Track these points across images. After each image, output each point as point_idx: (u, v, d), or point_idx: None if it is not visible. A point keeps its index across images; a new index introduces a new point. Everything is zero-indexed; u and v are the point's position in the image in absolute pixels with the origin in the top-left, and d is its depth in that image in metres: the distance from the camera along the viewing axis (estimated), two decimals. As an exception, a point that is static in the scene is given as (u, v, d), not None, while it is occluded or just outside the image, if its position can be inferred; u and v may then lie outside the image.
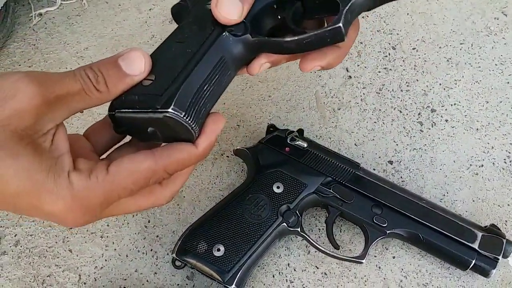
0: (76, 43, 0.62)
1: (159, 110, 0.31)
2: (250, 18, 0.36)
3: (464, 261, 0.45)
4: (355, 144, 0.55)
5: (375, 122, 0.57)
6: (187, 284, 0.47)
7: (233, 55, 0.35)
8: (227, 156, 0.54)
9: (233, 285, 0.43)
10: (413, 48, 0.63)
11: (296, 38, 0.34)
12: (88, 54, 0.61)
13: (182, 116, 0.31)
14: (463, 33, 0.64)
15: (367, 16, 0.65)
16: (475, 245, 0.45)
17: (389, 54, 0.62)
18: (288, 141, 0.49)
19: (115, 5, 0.66)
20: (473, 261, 0.45)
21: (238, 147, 0.51)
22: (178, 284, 0.46)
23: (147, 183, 0.32)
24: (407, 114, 0.57)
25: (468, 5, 0.66)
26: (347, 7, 0.33)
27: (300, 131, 0.51)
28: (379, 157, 0.54)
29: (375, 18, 0.65)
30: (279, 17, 0.38)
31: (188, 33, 0.36)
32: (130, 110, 0.32)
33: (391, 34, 0.64)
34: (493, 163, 0.54)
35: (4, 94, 0.27)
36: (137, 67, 0.32)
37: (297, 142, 0.49)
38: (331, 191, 0.47)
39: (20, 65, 0.60)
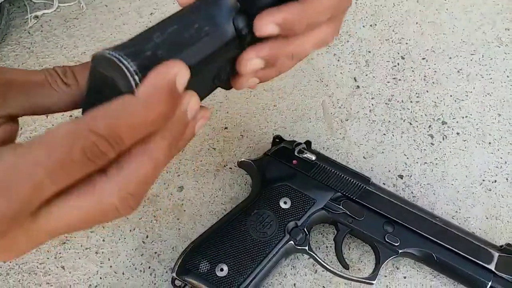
0: (74, 47, 0.60)
1: (95, 57, 0.25)
2: None
3: (480, 283, 0.43)
4: (363, 157, 0.53)
5: (384, 134, 0.55)
6: (187, 305, 0.44)
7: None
8: (230, 168, 0.52)
9: (237, 308, 0.40)
10: (423, 58, 0.61)
11: None
12: (86, 58, 0.58)
13: (113, 52, 0.24)
14: (474, 44, 0.62)
15: (375, 25, 0.63)
16: (492, 266, 0.43)
17: (398, 64, 0.60)
18: (296, 154, 0.47)
19: (115, 9, 0.63)
20: (489, 283, 0.42)
21: (242, 159, 0.48)
22: (177, 305, 0.44)
23: (69, 155, 0.21)
24: (417, 127, 0.55)
25: (478, 15, 0.64)
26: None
27: (308, 143, 0.49)
28: (389, 171, 0.52)
29: (384, 26, 0.63)
30: None
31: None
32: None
33: (400, 43, 0.62)
34: (507, 179, 0.52)
35: None
36: None
37: (305, 155, 0.47)
38: (340, 207, 0.45)
39: (13, 69, 0.58)
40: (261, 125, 0.55)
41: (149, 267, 0.46)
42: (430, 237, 0.44)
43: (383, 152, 0.53)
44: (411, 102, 0.57)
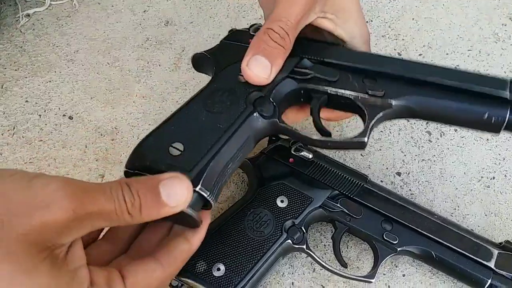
0: (66, 45, 0.59)
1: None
2: (278, 101, 0.37)
3: (480, 280, 0.42)
4: (361, 155, 0.52)
5: (381, 131, 0.54)
6: (183, 306, 0.43)
7: (257, 133, 0.37)
8: (226, 167, 0.51)
9: (235, 309, 0.39)
10: (420, 54, 0.60)
11: (323, 139, 0.37)
12: (79, 57, 0.58)
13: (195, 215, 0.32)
14: (471, 39, 0.62)
15: (371, 21, 0.63)
16: (491, 264, 0.42)
17: (395, 60, 0.60)
18: (293, 152, 0.46)
19: (108, 6, 0.62)
20: (489, 281, 0.42)
21: (238, 158, 0.48)
22: (174, 306, 0.43)
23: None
24: (414, 123, 0.55)
25: (474, 10, 0.64)
26: (372, 122, 0.36)
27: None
28: (387, 168, 0.52)
29: (380, 23, 0.63)
30: (302, 99, 0.39)
31: (218, 103, 0.36)
32: None
33: (396, 39, 0.61)
34: (505, 175, 0.52)
35: (37, 202, 0.25)
36: (179, 199, 0.30)
37: (302, 153, 0.46)
38: (338, 205, 0.44)
39: (5, 68, 0.57)
40: (257, 123, 0.54)
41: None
42: (429, 235, 0.43)
43: (380, 150, 0.53)
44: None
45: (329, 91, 0.38)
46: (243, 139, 0.35)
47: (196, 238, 0.34)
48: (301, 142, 0.40)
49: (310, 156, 0.46)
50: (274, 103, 0.37)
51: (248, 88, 0.37)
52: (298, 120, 0.43)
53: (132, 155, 0.34)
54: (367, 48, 0.43)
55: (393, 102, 0.36)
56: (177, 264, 0.34)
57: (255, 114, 0.36)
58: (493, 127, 0.36)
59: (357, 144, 0.36)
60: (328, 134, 0.38)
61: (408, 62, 0.38)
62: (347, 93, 0.37)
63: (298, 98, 0.39)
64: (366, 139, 0.36)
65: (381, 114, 0.36)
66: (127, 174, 0.33)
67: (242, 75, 0.37)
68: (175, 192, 0.29)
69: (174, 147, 0.33)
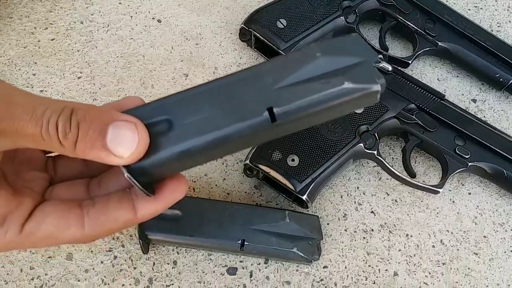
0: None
1: None
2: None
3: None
4: (437, 79, 0.52)
5: (460, 59, 0.54)
6: (254, 193, 0.46)
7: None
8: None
9: (305, 196, 0.42)
10: (509, -11, 0.58)
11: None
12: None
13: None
14: None
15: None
16: None
17: (482, -8, 0.58)
18: (373, 64, 0.47)
19: None
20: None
21: (317, 67, 0.49)
22: (245, 192, 0.46)
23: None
24: (496, 55, 0.54)
25: None
26: (419, 52, 0.50)
27: (385, 56, 0.49)
28: (462, 94, 0.52)
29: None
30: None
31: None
32: None
33: (485, -28, 0.59)
34: None
35: None
36: (124, 151, 0.24)
37: (381, 65, 0.47)
38: (413, 117, 0.45)
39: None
40: (335, 41, 0.55)
41: (222, 157, 0.48)
42: (503, 153, 0.44)
43: (458, 76, 0.53)
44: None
45: (399, 19, 0.50)
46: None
47: (144, 210, 0.27)
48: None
49: (390, 68, 0.47)
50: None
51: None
52: None
53: (248, 19, 0.48)
54: None
55: (439, 43, 0.49)
56: (102, 231, 0.27)
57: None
58: (498, 85, 0.49)
59: (403, 63, 0.50)
60: None
61: (463, 18, 0.50)
62: (411, 25, 0.49)
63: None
64: (410, 61, 0.49)
65: (427, 48, 0.49)
66: (242, 30, 0.48)
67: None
68: (124, 141, 0.24)
69: (280, 21, 0.46)
